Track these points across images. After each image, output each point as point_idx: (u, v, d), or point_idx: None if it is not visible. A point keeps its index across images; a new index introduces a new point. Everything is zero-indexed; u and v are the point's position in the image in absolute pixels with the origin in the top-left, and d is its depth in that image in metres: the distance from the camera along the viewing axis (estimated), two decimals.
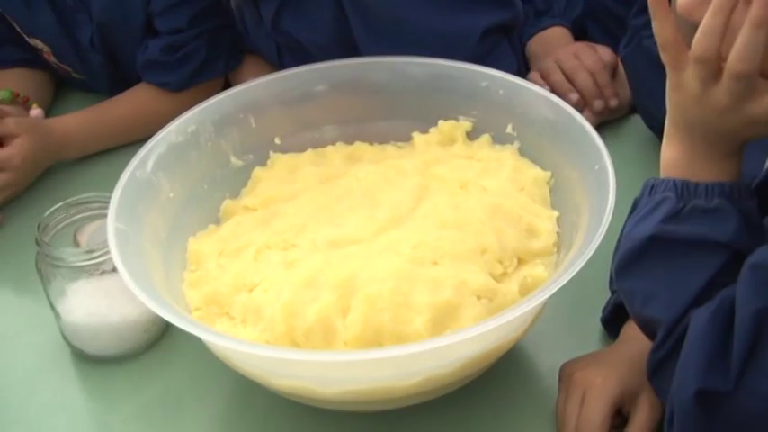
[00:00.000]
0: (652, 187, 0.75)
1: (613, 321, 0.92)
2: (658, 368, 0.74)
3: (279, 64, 1.26)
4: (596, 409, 0.82)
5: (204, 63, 1.27)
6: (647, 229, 0.73)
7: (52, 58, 1.35)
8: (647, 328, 0.76)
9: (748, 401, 0.68)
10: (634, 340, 0.85)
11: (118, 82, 1.33)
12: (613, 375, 0.84)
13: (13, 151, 1.17)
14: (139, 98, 1.29)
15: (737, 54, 0.68)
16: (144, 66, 1.28)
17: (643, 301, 0.74)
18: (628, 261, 0.75)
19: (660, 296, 0.73)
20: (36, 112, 1.29)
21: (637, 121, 1.19)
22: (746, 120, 0.71)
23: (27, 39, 1.33)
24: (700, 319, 0.70)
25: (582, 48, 1.22)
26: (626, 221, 0.78)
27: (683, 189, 0.73)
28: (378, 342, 0.82)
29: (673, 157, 0.76)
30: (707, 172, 0.74)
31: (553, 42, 1.26)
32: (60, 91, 1.41)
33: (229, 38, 1.30)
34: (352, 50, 1.14)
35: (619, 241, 0.84)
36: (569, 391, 0.85)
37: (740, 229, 0.72)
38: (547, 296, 0.78)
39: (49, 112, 1.33)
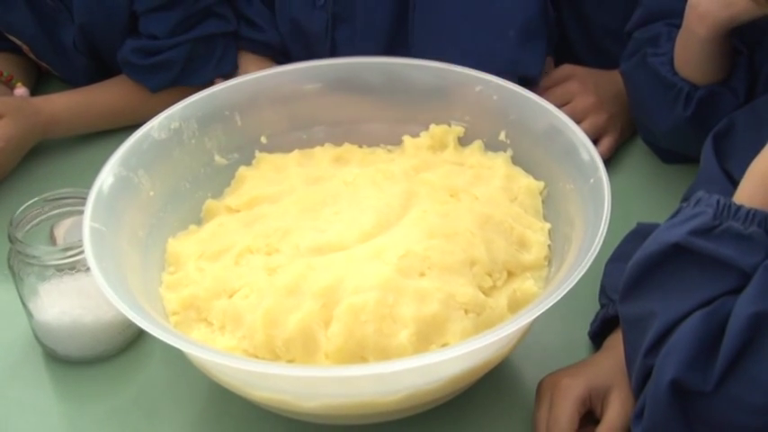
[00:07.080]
0: (698, 201, 0.75)
1: (601, 335, 0.91)
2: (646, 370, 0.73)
3: (324, 37, 1.20)
4: (562, 407, 0.82)
5: (185, 71, 1.22)
6: (673, 237, 0.73)
7: (32, 55, 1.31)
8: (639, 324, 0.75)
9: (726, 408, 0.68)
10: (610, 349, 0.86)
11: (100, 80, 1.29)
12: (579, 374, 0.84)
13: None
14: (129, 84, 1.25)
15: None
16: (121, 62, 1.24)
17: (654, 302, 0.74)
18: (649, 262, 0.74)
19: (667, 298, 0.73)
20: (21, 91, 1.25)
21: (633, 135, 1.18)
22: None
23: (5, 34, 1.29)
24: (693, 318, 0.70)
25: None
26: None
27: (723, 208, 0.72)
28: (360, 355, 0.79)
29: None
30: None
31: None
32: (43, 75, 1.36)
33: (222, 45, 1.24)
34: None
35: (616, 251, 0.92)
36: (540, 398, 0.85)
37: (764, 260, 0.71)
38: (538, 314, 0.75)
39: (32, 94, 1.28)
